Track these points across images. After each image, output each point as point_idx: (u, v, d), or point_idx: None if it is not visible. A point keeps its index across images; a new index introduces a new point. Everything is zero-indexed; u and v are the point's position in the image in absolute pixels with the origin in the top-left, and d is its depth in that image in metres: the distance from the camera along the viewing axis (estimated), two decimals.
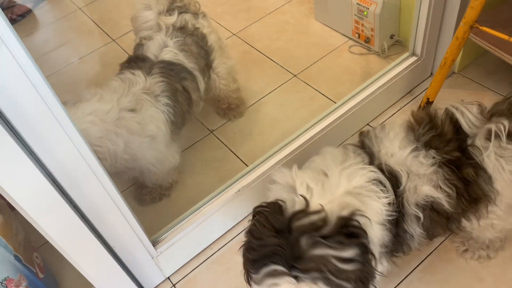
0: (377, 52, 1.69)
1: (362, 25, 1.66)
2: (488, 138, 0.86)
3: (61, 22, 2.16)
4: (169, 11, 1.32)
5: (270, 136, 1.53)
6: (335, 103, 1.56)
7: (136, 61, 1.26)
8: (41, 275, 1.15)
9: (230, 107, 1.57)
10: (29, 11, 2.19)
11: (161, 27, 1.30)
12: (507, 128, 0.85)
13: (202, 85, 1.34)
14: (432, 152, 0.86)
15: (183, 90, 1.26)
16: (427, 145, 0.88)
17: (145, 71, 1.22)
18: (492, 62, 1.58)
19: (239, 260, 1.23)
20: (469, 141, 0.88)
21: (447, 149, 0.87)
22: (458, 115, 0.90)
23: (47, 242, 1.31)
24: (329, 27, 1.84)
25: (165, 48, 1.26)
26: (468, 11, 1.16)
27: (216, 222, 1.26)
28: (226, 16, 1.98)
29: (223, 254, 1.26)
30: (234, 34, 1.90)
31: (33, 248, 1.20)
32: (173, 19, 1.30)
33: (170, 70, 1.25)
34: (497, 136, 0.85)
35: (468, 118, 0.89)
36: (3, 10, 0.68)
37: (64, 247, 0.90)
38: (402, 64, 1.47)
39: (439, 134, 0.89)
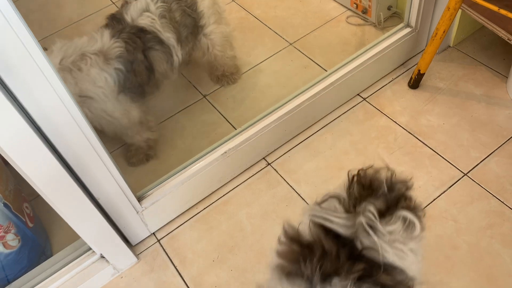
0: (374, 24, 1.68)
1: None
2: (367, 233, 0.71)
3: None
4: None
5: (262, 103, 1.54)
6: None
7: (113, 20, 1.25)
8: (30, 224, 1.20)
9: (224, 74, 1.58)
10: None
11: None
12: (375, 213, 0.71)
13: (178, 56, 1.32)
14: (337, 280, 0.69)
15: (144, 59, 1.24)
16: (324, 276, 0.69)
17: (113, 33, 1.22)
18: (487, 38, 1.58)
19: (222, 219, 1.28)
20: (358, 244, 0.72)
21: (346, 267, 0.70)
22: (329, 224, 0.73)
23: (38, 195, 1.35)
24: None
25: (145, 13, 1.25)
26: None
27: (202, 182, 1.29)
28: None
29: (207, 214, 1.30)
30: (233, 0, 1.90)
31: (23, 199, 1.24)
32: None
33: (138, 37, 1.23)
34: (373, 227, 0.71)
35: (338, 223, 0.73)
36: None
37: (48, 194, 0.94)
38: (396, 35, 1.47)
39: (324, 255, 0.71)
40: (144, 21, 1.25)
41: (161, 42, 1.27)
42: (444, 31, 1.28)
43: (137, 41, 1.23)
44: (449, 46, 1.58)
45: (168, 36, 1.28)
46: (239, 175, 1.37)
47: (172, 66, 1.33)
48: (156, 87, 1.35)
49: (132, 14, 1.26)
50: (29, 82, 0.80)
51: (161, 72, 1.31)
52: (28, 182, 0.91)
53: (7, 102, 0.78)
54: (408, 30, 1.47)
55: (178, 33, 1.30)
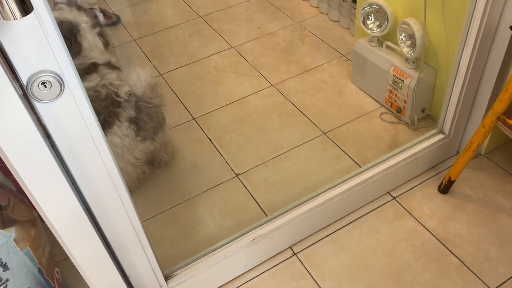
0: (407, 123, 1.75)
1: (396, 95, 1.73)
2: None
3: (115, 49, 2.32)
4: None
5: (293, 189, 1.58)
6: (360, 166, 1.62)
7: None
8: None
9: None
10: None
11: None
12: None
13: None
14: None
15: None
16: None
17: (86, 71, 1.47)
18: None
19: None
20: None
21: None
22: None
23: (68, 258, 1.39)
24: (363, 91, 1.91)
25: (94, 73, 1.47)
26: (496, 103, 1.21)
27: (228, 266, 1.31)
28: (268, 67, 2.09)
29: None
30: (272, 85, 2.00)
31: (55, 263, 1.27)
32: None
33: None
34: None
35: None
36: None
37: (87, 272, 0.97)
38: (429, 140, 1.52)
39: None
40: (89, 83, 1.44)
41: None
42: (477, 145, 1.33)
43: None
44: (480, 154, 1.62)
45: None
46: (264, 261, 1.38)
47: None
48: None
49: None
50: (89, 168, 0.86)
51: None
52: (71, 259, 0.95)
53: (68, 186, 0.83)
54: (441, 136, 1.52)
55: None
